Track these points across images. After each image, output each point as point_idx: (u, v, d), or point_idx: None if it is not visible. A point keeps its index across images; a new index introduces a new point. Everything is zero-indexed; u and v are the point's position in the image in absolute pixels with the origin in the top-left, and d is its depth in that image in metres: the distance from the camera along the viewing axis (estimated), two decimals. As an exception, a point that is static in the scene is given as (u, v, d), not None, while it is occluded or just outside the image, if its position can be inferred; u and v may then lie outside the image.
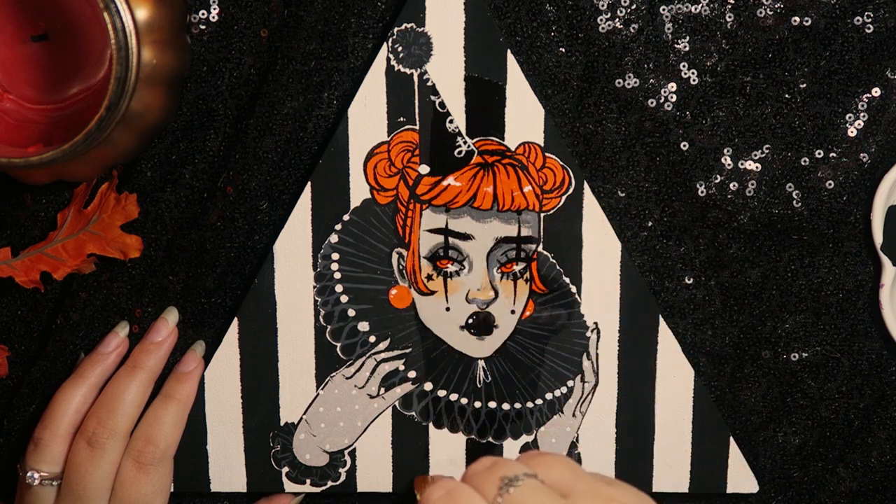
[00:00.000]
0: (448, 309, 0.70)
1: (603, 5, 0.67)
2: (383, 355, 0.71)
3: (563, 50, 0.67)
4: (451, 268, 0.69)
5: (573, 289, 0.70)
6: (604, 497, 0.50)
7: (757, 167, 0.69)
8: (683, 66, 0.68)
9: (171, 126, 0.68)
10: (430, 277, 0.69)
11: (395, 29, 0.66)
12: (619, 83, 0.68)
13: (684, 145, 0.68)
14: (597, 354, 0.71)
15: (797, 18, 0.67)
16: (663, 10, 0.67)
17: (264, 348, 0.70)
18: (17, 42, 0.67)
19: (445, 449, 0.72)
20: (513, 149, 0.68)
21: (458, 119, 0.68)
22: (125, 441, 0.67)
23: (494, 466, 0.51)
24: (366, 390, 0.71)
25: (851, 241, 0.69)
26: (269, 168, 0.68)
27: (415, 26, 0.66)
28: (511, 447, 0.72)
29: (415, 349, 0.71)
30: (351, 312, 0.70)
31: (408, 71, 0.67)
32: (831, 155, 0.68)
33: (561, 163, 0.68)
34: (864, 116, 0.68)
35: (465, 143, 0.68)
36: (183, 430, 0.69)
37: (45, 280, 0.69)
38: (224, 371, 0.70)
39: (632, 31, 0.67)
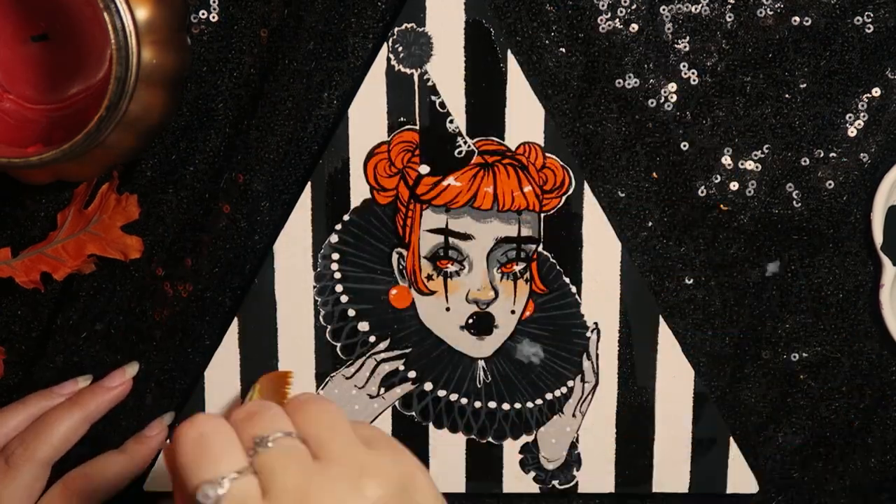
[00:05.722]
0: (448, 309, 0.70)
1: (603, 5, 0.67)
2: (383, 355, 0.71)
3: (564, 50, 0.67)
4: (451, 268, 0.69)
5: (573, 289, 0.70)
6: (357, 464, 0.48)
7: (757, 167, 0.69)
8: (683, 66, 0.68)
9: (171, 126, 0.68)
10: (430, 277, 0.69)
11: (396, 29, 0.66)
12: (619, 83, 0.68)
13: (684, 145, 0.68)
14: (597, 354, 0.71)
15: (797, 18, 0.67)
16: (663, 10, 0.67)
17: (264, 348, 0.70)
18: (17, 42, 0.67)
19: (445, 449, 0.72)
20: (513, 149, 0.68)
21: (458, 119, 0.68)
22: (42, 470, 0.67)
23: (250, 419, 0.49)
24: (366, 390, 0.71)
25: (851, 241, 0.69)
26: (269, 168, 0.68)
27: (415, 26, 0.66)
28: (511, 447, 0.72)
29: (415, 349, 0.71)
30: (351, 312, 0.70)
31: (408, 71, 0.67)
32: (831, 155, 0.68)
33: (561, 163, 0.68)
34: (864, 116, 0.68)
35: (465, 143, 0.68)
36: (124, 487, 0.69)
37: (45, 280, 0.69)
38: (224, 371, 0.70)
39: (632, 31, 0.67)
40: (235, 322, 0.70)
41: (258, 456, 0.48)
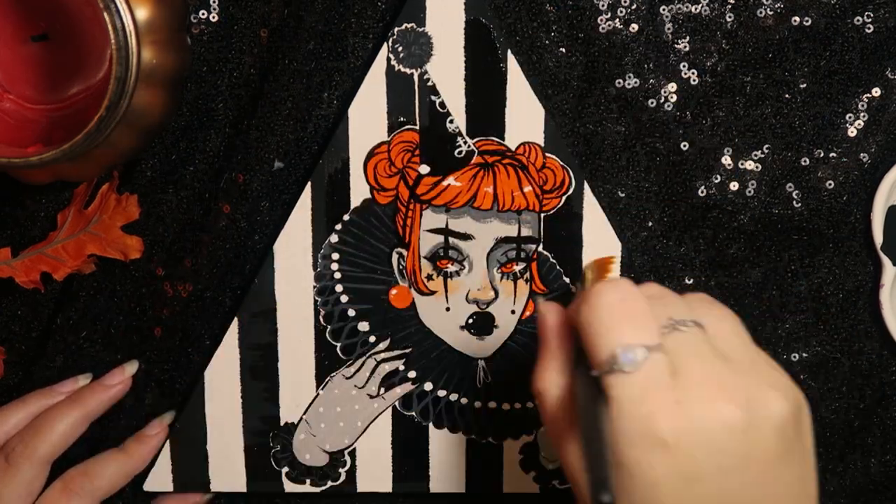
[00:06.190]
0: (448, 309, 0.70)
1: (603, 5, 0.67)
2: (383, 355, 0.71)
3: (564, 50, 0.67)
4: (452, 268, 0.69)
5: (573, 289, 0.70)
6: (762, 374, 0.48)
7: (757, 167, 0.69)
8: (683, 66, 0.68)
9: (171, 126, 0.68)
10: (430, 277, 0.69)
11: (396, 29, 0.66)
12: (619, 83, 0.68)
13: (684, 145, 0.68)
14: (597, 354, 0.70)
15: (797, 18, 0.67)
16: (663, 10, 0.67)
17: (264, 348, 0.70)
18: (17, 42, 0.67)
19: (445, 449, 0.72)
20: (513, 149, 0.68)
21: (458, 119, 0.68)
22: (42, 467, 0.67)
23: (661, 300, 0.49)
24: (366, 390, 0.71)
25: (851, 241, 0.69)
26: (269, 168, 0.68)
27: (415, 26, 0.66)
28: (511, 447, 0.72)
29: (415, 349, 0.71)
30: (351, 312, 0.70)
31: (408, 71, 0.67)
32: (831, 155, 0.68)
33: (561, 163, 0.68)
34: (864, 116, 0.68)
35: (465, 143, 0.68)
36: (123, 485, 0.69)
37: (45, 280, 0.69)
38: (224, 371, 0.71)
39: (632, 31, 0.67)
40: (235, 322, 0.70)
41: (671, 338, 0.47)
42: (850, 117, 0.68)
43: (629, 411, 0.46)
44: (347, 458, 0.72)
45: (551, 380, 0.51)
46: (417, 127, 0.68)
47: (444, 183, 0.68)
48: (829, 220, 0.69)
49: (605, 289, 0.48)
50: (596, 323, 0.48)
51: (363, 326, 0.70)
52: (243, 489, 0.72)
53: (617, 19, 0.67)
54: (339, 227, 0.69)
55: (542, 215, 0.69)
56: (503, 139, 0.68)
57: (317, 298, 0.70)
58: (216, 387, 0.71)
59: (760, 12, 0.67)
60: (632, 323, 0.47)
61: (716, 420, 0.46)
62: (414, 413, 0.71)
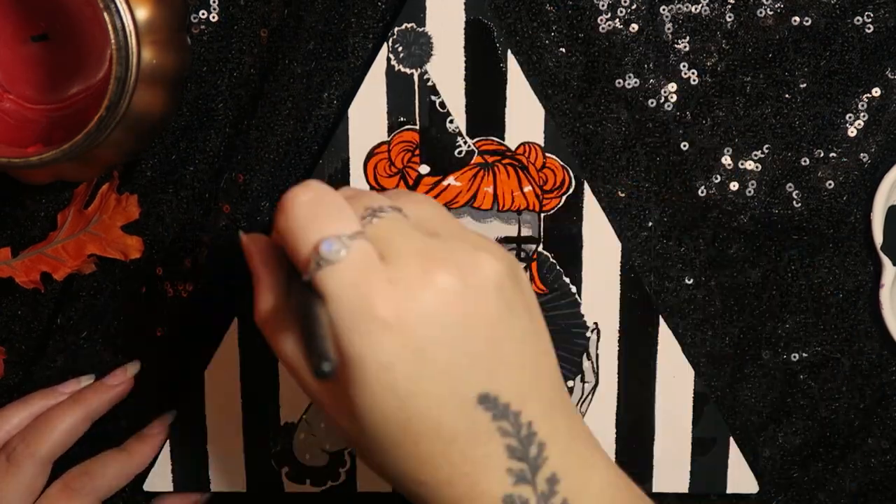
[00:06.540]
0: (448, 309, 0.70)
1: (603, 5, 0.67)
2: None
3: (564, 50, 0.67)
4: (451, 268, 0.69)
5: (573, 289, 0.70)
6: (472, 241, 0.48)
7: (757, 167, 0.69)
8: (683, 66, 0.68)
9: (171, 126, 0.68)
10: (430, 277, 0.69)
11: (396, 29, 0.66)
12: (619, 83, 0.68)
13: (684, 145, 0.68)
14: (597, 354, 0.71)
15: (797, 18, 0.67)
16: (663, 10, 0.67)
17: (264, 348, 0.70)
18: (17, 42, 0.67)
19: (445, 449, 0.72)
20: (513, 149, 0.68)
21: (458, 119, 0.68)
22: (43, 467, 0.67)
23: (357, 196, 0.49)
24: (366, 390, 0.71)
25: (851, 241, 0.69)
26: (269, 168, 0.68)
27: (415, 26, 0.66)
28: None
29: (415, 349, 0.70)
30: (351, 312, 0.70)
31: (408, 71, 0.67)
32: (831, 155, 0.68)
33: (561, 163, 0.68)
34: (864, 116, 0.68)
35: (465, 143, 0.68)
36: (124, 485, 0.69)
37: (45, 280, 0.69)
38: (224, 371, 0.70)
39: (632, 31, 0.67)
40: (235, 322, 0.70)
41: (372, 225, 0.47)
42: (850, 117, 0.68)
43: (345, 301, 0.45)
44: (347, 458, 0.72)
45: (268, 304, 0.50)
46: (417, 127, 0.68)
47: (444, 183, 0.68)
48: (829, 220, 0.69)
49: (295, 191, 0.48)
50: (293, 226, 0.47)
51: (363, 326, 0.70)
52: (243, 489, 0.72)
53: (617, 19, 0.67)
54: (339, 227, 0.69)
55: (542, 215, 0.69)
56: (503, 139, 0.68)
57: (317, 298, 0.70)
58: (216, 387, 0.71)
59: (760, 12, 0.67)
60: (327, 217, 0.47)
61: (431, 290, 0.46)
62: (414, 413, 0.71)
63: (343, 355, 0.46)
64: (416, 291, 0.46)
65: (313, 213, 0.47)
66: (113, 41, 0.59)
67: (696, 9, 0.67)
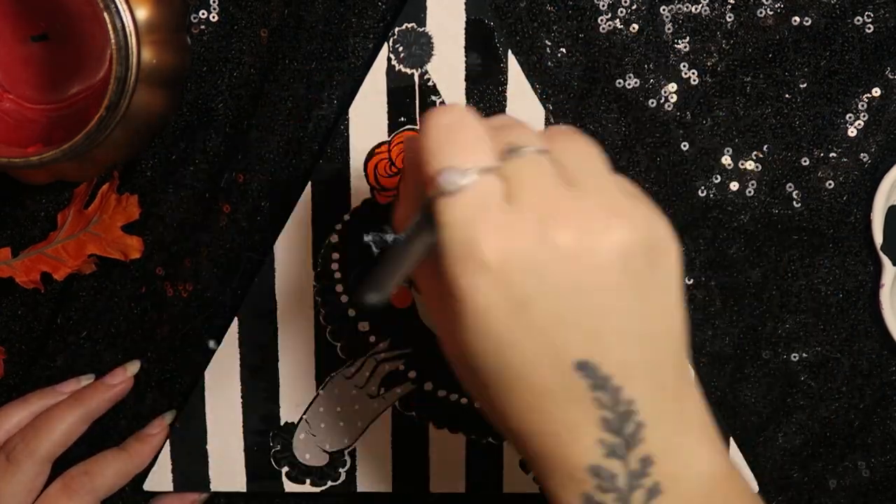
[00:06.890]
0: (448, 309, 0.70)
1: (603, 5, 0.67)
2: (383, 355, 0.71)
3: (564, 50, 0.67)
4: (452, 268, 0.69)
5: None
6: (610, 203, 0.45)
7: (757, 167, 0.69)
8: (683, 66, 0.68)
9: (171, 126, 0.68)
10: (430, 277, 0.69)
11: (396, 29, 0.66)
12: (619, 83, 0.68)
13: (684, 145, 0.68)
14: (597, 354, 0.70)
15: (797, 18, 0.67)
16: (663, 10, 0.67)
17: (264, 348, 0.70)
18: (17, 42, 0.67)
19: (445, 449, 0.72)
20: (513, 149, 0.68)
21: (458, 119, 0.68)
22: (43, 466, 0.67)
23: (506, 128, 0.47)
24: (366, 390, 0.71)
25: (851, 241, 0.69)
26: (269, 168, 0.68)
27: (416, 26, 0.66)
28: (511, 447, 0.72)
29: (415, 349, 0.71)
30: (351, 312, 0.70)
31: (408, 71, 0.67)
32: (831, 155, 0.68)
33: (561, 163, 0.68)
34: (864, 116, 0.68)
35: (465, 143, 0.68)
36: (124, 484, 0.69)
37: (45, 280, 0.69)
38: (224, 371, 0.70)
39: (632, 31, 0.67)
40: (235, 322, 0.70)
41: (509, 162, 0.45)
42: (850, 117, 0.68)
43: (454, 235, 0.44)
44: (347, 458, 0.72)
45: (402, 214, 0.49)
46: (418, 127, 0.68)
47: (445, 183, 0.68)
48: (829, 220, 0.69)
49: (437, 112, 0.46)
50: (426, 146, 0.45)
51: (363, 326, 0.70)
52: (243, 489, 0.72)
53: (617, 19, 0.67)
54: (339, 227, 0.69)
55: (543, 215, 0.69)
56: (503, 139, 0.68)
57: (317, 298, 0.70)
58: (216, 387, 0.71)
59: (760, 12, 0.67)
60: (460, 146, 0.45)
61: (544, 245, 0.44)
62: (414, 413, 0.71)
63: (449, 287, 0.45)
64: (527, 242, 0.44)
65: (447, 138, 0.45)
66: (113, 41, 0.59)
67: (696, 9, 0.67)
